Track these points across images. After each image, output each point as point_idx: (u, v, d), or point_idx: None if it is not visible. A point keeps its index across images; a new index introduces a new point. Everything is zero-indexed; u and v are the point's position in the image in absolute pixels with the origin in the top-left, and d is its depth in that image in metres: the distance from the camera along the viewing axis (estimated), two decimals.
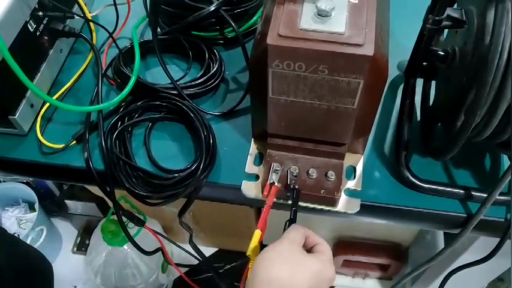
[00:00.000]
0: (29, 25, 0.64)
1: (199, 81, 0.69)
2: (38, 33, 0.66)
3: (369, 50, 0.44)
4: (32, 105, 0.66)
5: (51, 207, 1.39)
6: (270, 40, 0.46)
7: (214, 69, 0.70)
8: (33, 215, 1.31)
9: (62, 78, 0.73)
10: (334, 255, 1.21)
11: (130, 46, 0.73)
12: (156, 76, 0.74)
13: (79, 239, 1.43)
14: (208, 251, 1.38)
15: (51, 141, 0.65)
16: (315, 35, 0.46)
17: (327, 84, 0.49)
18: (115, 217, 1.08)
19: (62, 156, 0.65)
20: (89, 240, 1.30)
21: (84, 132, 0.65)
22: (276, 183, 0.56)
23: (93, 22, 0.72)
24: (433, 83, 0.65)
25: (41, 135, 0.66)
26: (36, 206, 1.31)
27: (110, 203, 0.66)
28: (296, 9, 0.48)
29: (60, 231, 1.43)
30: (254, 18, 0.77)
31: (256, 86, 0.54)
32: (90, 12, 0.71)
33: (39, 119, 0.67)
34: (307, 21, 0.46)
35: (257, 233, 0.51)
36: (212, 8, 0.70)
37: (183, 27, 0.73)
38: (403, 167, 0.59)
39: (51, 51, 0.70)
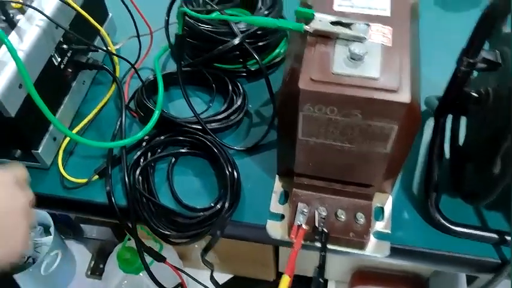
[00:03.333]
0: (53, 58, 0.64)
1: (223, 115, 0.68)
2: (62, 67, 0.66)
3: (404, 97, 0.43)
4: (54, 139, 0.66)
5: (66, 230, 1.39)
6: (303, 85, 0.45)
7: (238, 103, 0.69)
8: (48, 239, 1.31)
9: (84, 110, 0.73)
10: (352, 286, 1.19)
11: (153, 78, 0.73)
12: (179, 108, 0.73)
13: (93, 262, 1.42)
14: (223, 277, 1.36)
15: (73, 175, 0.65)
16: (349, 79, 0.44)
17: (358, 128, 0.47)
18: (131, 244, 1.07)
19: (84, 191, 0.65)
20: (103, 264, 1.29)
21: (106, 167, 0.64)
22: (304, 226, 0.54)
23: (117, 56, 0.72)
24: (463, 118, 0.64)
25: (63, 169, 0.65)
26: (52, 229, 1.30)
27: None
28: (328, 52, 0.47)
29: (75, 254, 1.42)
30: (276, 50, 0.77)
31: (285, 127, 0.53)
32: (114, 45, 0.70)
33: (61, 152, 0.67)
34: (340, 65, 0.45)
35: (285, 280, 0.49)
36: (236, 41, 0.69)
37: (207, 60, 0.73)
38: (434, 209, 0.57)
39: (74, 84, 0.70)
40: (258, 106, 0.73)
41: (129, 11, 0.69)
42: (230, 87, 0.71)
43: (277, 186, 0.63)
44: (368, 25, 0.47)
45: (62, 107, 0.67)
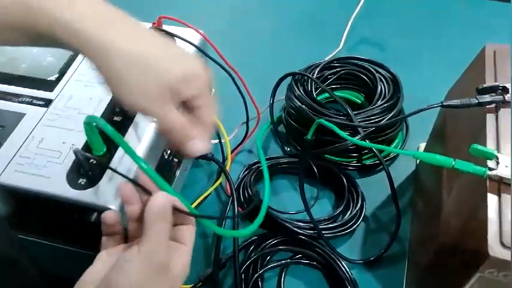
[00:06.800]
0: (164, 152, 0.59)
1: (339, 222, 0.62)
2: (170, 158, 0.61)
3: None
4: None
5: None
6: (493, 252, 0.38)
7: (357, 207, 0.63)
8: None
9: (183, 195, 0.67)
10: None
11: (259, 167, 0.67)
12: (284, 201, 0.67)
13: None
14: None
15: None
16: None
17: None
18: None
19: None
20: None
21: (213, 273, 0.58)
22: None
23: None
24: None
25: None
26: None
27: None
28: None
29: None
30: (393, 144, 0.70)
31: (437, 268, 0.47)
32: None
33: None
34: None
35: None
36: (358, 139, 0.63)
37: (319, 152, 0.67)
38: None
39: (178, 172, 0.65)
40: (373, 208, 0.66)
41: (242, 96, 0.64)
42: (346, 187, 0.65)
43: None
44: None
45: None
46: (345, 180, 0.65)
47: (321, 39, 0.91)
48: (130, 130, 0.54)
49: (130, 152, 0.42)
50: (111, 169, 0.43)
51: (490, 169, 0.41)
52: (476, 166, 0.42)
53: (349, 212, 0.63)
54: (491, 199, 0.41)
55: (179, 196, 0.41)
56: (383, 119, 0.65)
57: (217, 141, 0.63)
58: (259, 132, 0.73)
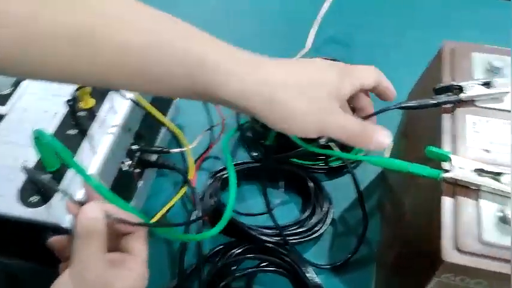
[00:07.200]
0: (122, 165, 0.57)
1: (306, 227, 0.61)
2: (130, 170, 0.59)
3: None
4: None
5: None
6: (448, 257, 0.37)
7: (323, 212, 0.62)
8: None
9: (148, 206, 0.66)
10: None
11: (222, 178, 0.66)
12: (252, 206, 0.66)
13: None
14: None
15: None
16: (504, 253, 0.37)
17: None
18: None
19: None
20: None
21: (178, 285, 0.57)
22: None
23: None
24: None
25: None
26: None
27: None
28: (472, 211, 0.39)
29: None
30: None
31: (399, 270, 0.46)
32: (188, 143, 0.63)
33: None
34: (489, 231, 0.38)
35: None
36: (323, 141, 0.62)
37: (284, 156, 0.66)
38: None
39: (140, 184, 0.63)
40: (341, 211, 0.65)
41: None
42: (312, 191, 0.64)
43: None
44: None
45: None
46: (311, 184, 0.64)
47: (288, 40, 0.89)
48: (84, 144, 0.53)
49: (75, 166, 0.40)
50: (61, 190, 0.41)
51: (445, 171, 0.41)
52: (431, 169, 0.41)
53: (315, 216, 0.62)
54: (446, 202, 0.40)
55: (131, 208, 0.40)
56: None
57: (178, 150, 0.62)
58: (225, 138, 0.72)
